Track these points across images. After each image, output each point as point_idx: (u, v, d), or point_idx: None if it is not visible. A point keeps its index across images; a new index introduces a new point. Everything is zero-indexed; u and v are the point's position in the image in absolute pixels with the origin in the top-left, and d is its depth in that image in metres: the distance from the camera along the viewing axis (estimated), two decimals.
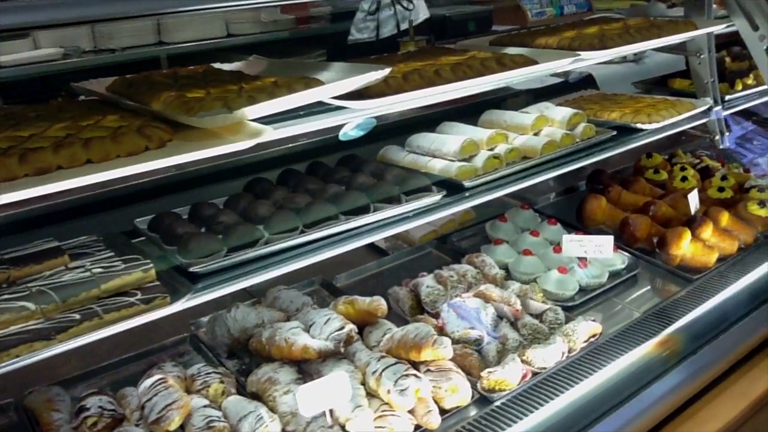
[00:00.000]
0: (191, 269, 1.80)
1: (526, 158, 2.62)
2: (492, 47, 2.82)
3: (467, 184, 2.35)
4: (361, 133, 2.13)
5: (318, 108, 1.98)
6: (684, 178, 3.34)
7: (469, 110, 3.12)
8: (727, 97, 3.32)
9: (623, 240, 2.94)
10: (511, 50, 2.60)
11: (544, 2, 7.19)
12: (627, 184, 3.32)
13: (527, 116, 2.77)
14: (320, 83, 1.88)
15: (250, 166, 2.61)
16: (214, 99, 1.79)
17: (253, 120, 1.77)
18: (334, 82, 1.89)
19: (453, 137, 2.53)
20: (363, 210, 2.12)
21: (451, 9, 6.10)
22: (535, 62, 2.36)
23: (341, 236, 2.05)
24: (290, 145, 2.68)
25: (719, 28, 2.95)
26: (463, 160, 2.47)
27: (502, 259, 2.77)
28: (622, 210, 3.12)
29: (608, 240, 2.64)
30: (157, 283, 1.71)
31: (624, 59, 4.64)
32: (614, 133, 2.82)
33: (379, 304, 2.21)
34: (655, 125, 2.87)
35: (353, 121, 2.04)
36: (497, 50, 2.65)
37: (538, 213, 3.24)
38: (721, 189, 3.22)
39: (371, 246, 2.88)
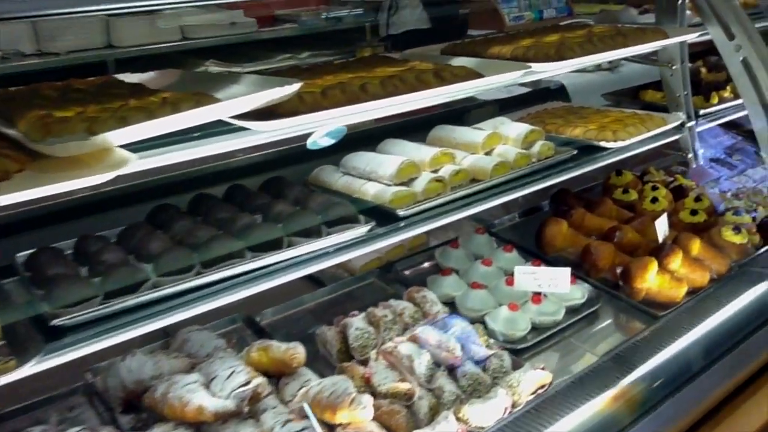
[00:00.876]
0: (52, 322, 1.51)
1: (475, 181, 2.36)
2: (442, 56, 2.56)
3: (402, 212, 2.07)
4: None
5: (218, 128, 1.70)
6: (654, 200, 3.07)
7: (423, 123, 2.85)
8: (702, 111, 3.07)
9: (584, 270, 2.67)
10: (461, 60, 2.33)
11: (523, 6, 6.92)
12: (592, 205, 3.05)
13: (478, 133, 2.50)
14: (214, 101, 1.60)
15: (168, 187, 2.33)
16: (83, 120, 1.51)
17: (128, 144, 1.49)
18: (232, 100, 1.61)
19: (391, 158, 2.25)
20: (275, 245, 1.85)
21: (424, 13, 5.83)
22: (479, 75, 2.09)
23: (246, 277, 1.77)
24: (211, 164, 2.40)
25: (692, 37, 2.69)
26: (402, 183, 2.20)
27: (450, 293, 2.50)
28: (586, 235, 2.86)
29: (564, 273, 2.37)
30: (1, 342, 1.42)
31: (598, 68, 4.39)
32: (575, 152, 2.56)
33: (295, 352, 1.94)
34: (620, 143, 2.61)
35: (322, 129, 1.79)
36: (445, 60, 2.38)
37: (496, 237, 2.98)
38: (693, 212, 2.96)
39: (306, 275, 2.60)
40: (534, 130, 2.56)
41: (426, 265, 2.82)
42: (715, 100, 3.10)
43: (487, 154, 2.48)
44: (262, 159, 2.46)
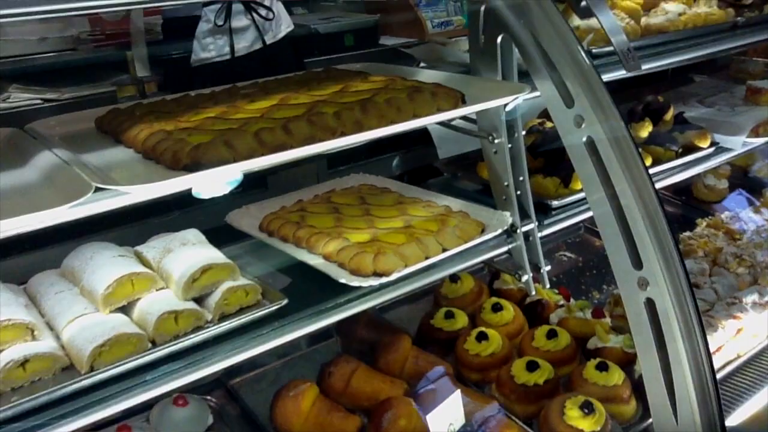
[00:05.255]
0: None
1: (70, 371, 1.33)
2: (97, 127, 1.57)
3: None
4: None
5: None
6: (482, 337, 2.01)
7: None
8: (556, 203, 1.99)
9: None
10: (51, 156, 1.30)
11: (453, 9, 5.86)
12: (385, 347, 2.00)
13: (103, 278, 1.45)
14: None
15: None
16: None
17: None
18: None
19: None
20: None
21: (313, 20, 4.77)
22: None
23: None
24: None
25: (499, 103, 1.63)
26: None
27: None
28: (353, 408, 1.82)
29: None
30: None
31: None
32: (284, 302, 1.51)
33: None
34: (371, 281, 1.54)
35: None
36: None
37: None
38: (532, 365, 1.89)
39: None
40: (213, 267, 1.50)
41: None
42: (578, 184, 2.03)
43: (122, 310, 1.45)
44: None
